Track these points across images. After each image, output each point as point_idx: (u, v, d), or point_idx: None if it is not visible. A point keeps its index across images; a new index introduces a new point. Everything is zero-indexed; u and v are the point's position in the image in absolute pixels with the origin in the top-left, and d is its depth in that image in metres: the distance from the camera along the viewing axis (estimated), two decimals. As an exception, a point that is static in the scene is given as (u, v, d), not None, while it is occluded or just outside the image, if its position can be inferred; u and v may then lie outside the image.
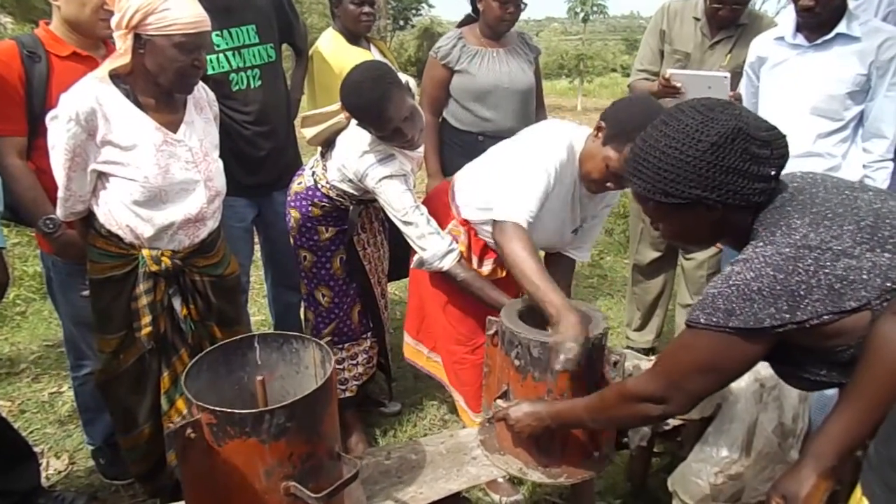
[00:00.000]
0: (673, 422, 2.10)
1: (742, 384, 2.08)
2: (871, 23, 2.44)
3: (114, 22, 1.76)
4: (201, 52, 1.81)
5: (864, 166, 2.46)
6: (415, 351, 2.52)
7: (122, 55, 1.78)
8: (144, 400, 2.02)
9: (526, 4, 2.81)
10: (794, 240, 1.18)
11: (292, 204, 2.39)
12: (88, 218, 1.94)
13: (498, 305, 1.96)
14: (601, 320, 1.79)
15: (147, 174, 1.82)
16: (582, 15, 16.81)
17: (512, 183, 1.98)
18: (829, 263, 1.15)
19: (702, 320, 1.22)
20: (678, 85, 2.58)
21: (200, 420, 1.38)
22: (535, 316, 1.87)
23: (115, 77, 1.81)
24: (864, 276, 1.14)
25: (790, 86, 2.50)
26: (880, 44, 2.35)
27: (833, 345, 1.19)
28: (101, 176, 1.85)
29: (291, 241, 2.44)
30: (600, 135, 1.93)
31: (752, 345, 1.20)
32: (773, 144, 1.25)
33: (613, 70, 22.03)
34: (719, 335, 1.20)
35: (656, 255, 3.10)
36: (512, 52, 2.89)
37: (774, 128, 1.27)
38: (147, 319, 1.93)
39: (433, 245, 2.12)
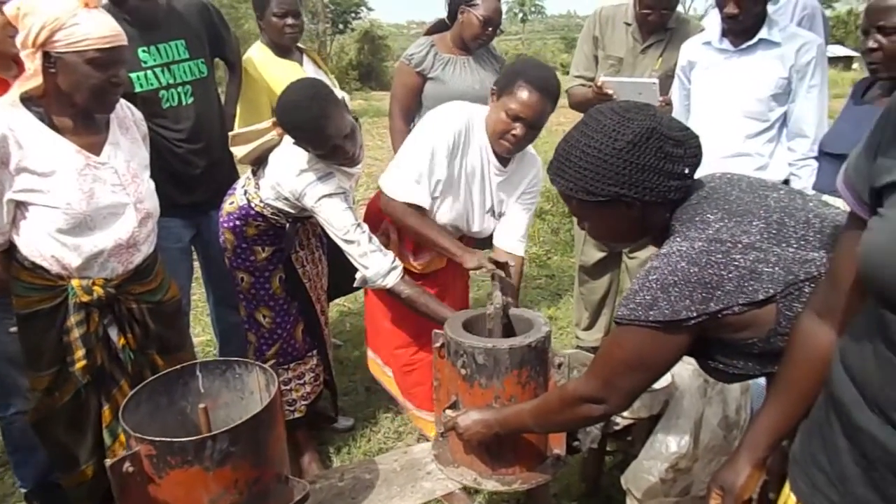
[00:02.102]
0: (623, 421, 2.16)
1: (687, 380, 2.16)
2: (790, 28, 2.62)
3: (19, 41, 1.70)
4: (119, 69, 1.77)
5: (789, 164, 2.61)
6: (374, 363, 2.55)
7: (32, 76, 1.72)
8: (84, 437, 1.95)
9: (502, 31, 2.93)
10: (706, 234, 1.25)
11: (225, 224, 2.36)
12: (10, 250, 1.87)
13: (443, 319, 1.99)
14: (543, 325, 1.84)
15: (70, 200, 1.77)
16: (520, 15, 17.14)
17: (397, 161, 2.18)
18: (739, 256, 1.22)
19: (626, 316, 1.27)
20: (610, 91, 2.68)
21: (139, 452, 1.36)
22: (480, 327, 1.92)
23: (28, 100, 1.76)
24: (771, 269, 1.21)
25: (719, 89, 2.63)
26: (798, 48, 2.51)
27: (744, 337, 1.26)
28: (20, 205, 1.79)
29: (227, 262, 2.42)
30: (494, 94, 2.09)
31: (673, 337, 1.26)
32: (687, 144, 1.32)
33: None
34: (643, 330, 1.26)
35: (601, 255, 3.18)
36: (479, 61, 2.95)
37: (687, 128, 1.35)
38: (81, 353, 1.87)
39: (375, 263, 2.14)
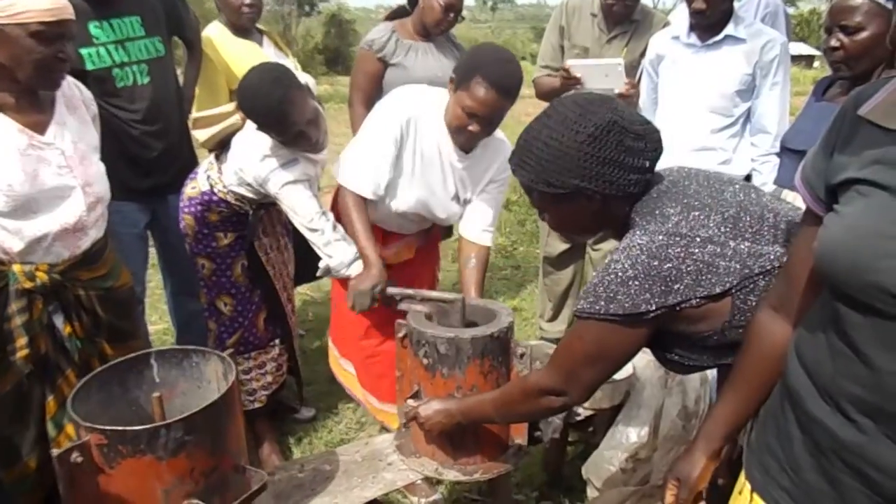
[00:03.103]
0: (585, 412, 2.20)
1: (648, 372, 2.20)
2: (755, 25, 2.68)
3: None
4: (65, 43, 1.69)
5: (752, 160, 2.67)
6: (332, 357, 2.54)
7: None
8: (27, 429, 1.88)
9: (464, 18, 2.91)
10: (666, 228, 1.27)
11: (186, 210, 2.33)
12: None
13: (408, 310, 1.99)
14: (505, 315, 1.86)
15: (11, 181, 1.70)
16: (490, 4, 17.11)
17: (351, 149, 2.15)
18: (696, 250, 1.24)
19: (585, 309, 1.29)
20: (578, 75, 2.70)
21: (88, 442, 1.33)
22: (444, 319, 1.92)
23: None
24: (727, 263, 1.24)
25: (686, 83, 2.67)
26: (763, 45, 2.56)
27: (700, 330, 1.29)
28: None
29: (188, 248, 2.39)
30: (452, 84, 2.04)
31: (633, 330, 1.28)
32: (647, 137, 1.34)
33: (523, 58, 22.51)
34: (602, 323, 1.28)
35: (565, 246, 3.21)
36: (441, 47, 2.92)
37: (648, 122, 1.37)
38: (23, 341, 1.80)
39: (340, 252, 2.13)
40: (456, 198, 2.25)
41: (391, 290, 2.08)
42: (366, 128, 2.14)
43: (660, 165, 1.41)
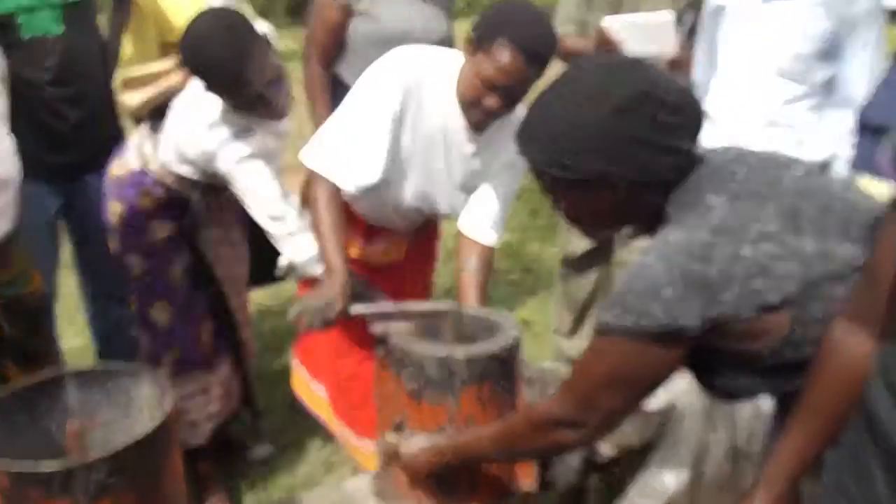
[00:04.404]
0: (609, 451, 2.21)
1: (688, 401, 2.22)
2: None
3: None
4: None
5: (834, 140, 2.64)
6: (298, 379, 2.55)
7: None
8: None
9: None
10: (709, 222, 1.28)
11: (113, 194, 2.34)
12: None
13: (382, 333, 2.00)
14: (511, 329, 1.87)
15: None
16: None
17: (333, 126, 2.11)
18: (747, 250, 1.25)
19: (610, 322, 1.30)
20: (617, 37, 2.70)
21: (-11, 485, 1.35)
22: (435, 333, 1.93)
23: None
24: (786, 265, 1.25)
25: (751, 42, 2.66)
26: None
27: (752, 348, 1.30)
28: None
29: (113, 243, 2.39)
30: (469, 46, 2.01)
31: (667, 349, 1.29)
32: (686, 111, 1.35)
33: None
34: (630, 340, 1.29)
35: (589, 245, 3.21)
36: None
37: (688, 92, 1.38)
38: None
39: (306, 246, 2.14)
40: (463, 187, 2.26)
41: (356, 309, 1.98)
42: (350, 103, 2.13)
43: (715, 145, 1.43)
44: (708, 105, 2.81)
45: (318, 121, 2.88)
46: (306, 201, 2.24)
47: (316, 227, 2.09)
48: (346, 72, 2.89)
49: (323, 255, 2.06)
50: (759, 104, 2.66)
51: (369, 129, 2.07)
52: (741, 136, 2.57)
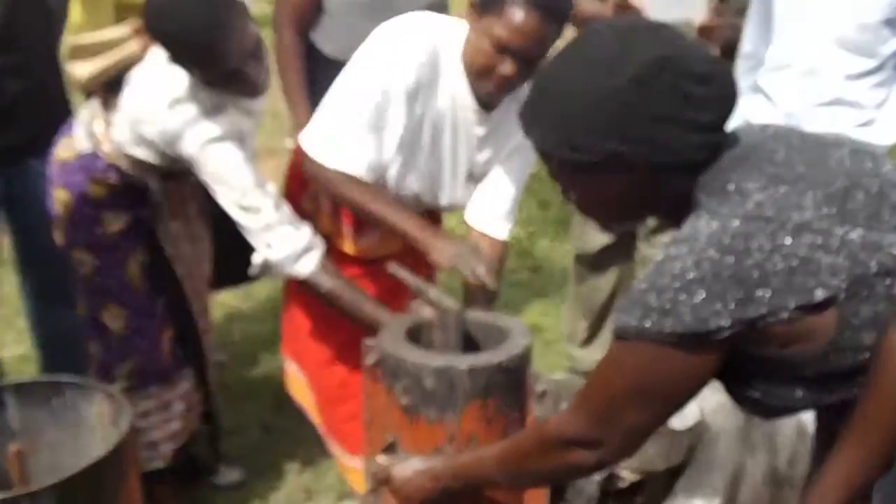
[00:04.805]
0: (631, 475, 2.21)
1: (721, 418, 2.22)
2: None
3: None
4: None
5: None
6: (294, 379, 2.55)
7: None
8: None
9: None
10: (745, 210, 1.27)
11: (58, 180, 2.33)
12: None
13: (378, 324, 2.00)
14: (520, 336, 1.86)
15: None
16: None
17: (328, 109, 2.11)
18: (789, 241, 1.24)
19: (631, 326, 1.29)
20: (639, 1, 2.71)
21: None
22: (433, 338, 1.93)
23: None
24: (832, 259, 1.24)
25: (810, 8, 2.67)
26: None
27: (793, 354, 1.29)
28: None
29: (59, 237, 2.39)
30: (474, 10, 2.00)
31: (697, 355, 1.28)
32: (716, 81, 1.33)
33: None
34: (654, 345, 1.28)
35: (607, 240, 3.22)
36: None
37: (717, 59, 1.37)
38: None
39: (284, 241, 2.14)
40: (470, 176, 2.25)
41: (397, 270, 2.03)
42: (356, 79, 2.11)
43: (771, 123, 1.42)
44: (761, 80, 2.82)
45: (290, 96, 2.89)
46: (300, 209, 2.24)
47: (372, 215, 2.15)
48: (323, 39, 2.89)
49: (406, 232, 2.12)
50: (819, 80, 2.67)
51: (378, 110, 2.06)
52: (799, 116, 2.58)
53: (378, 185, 2.17)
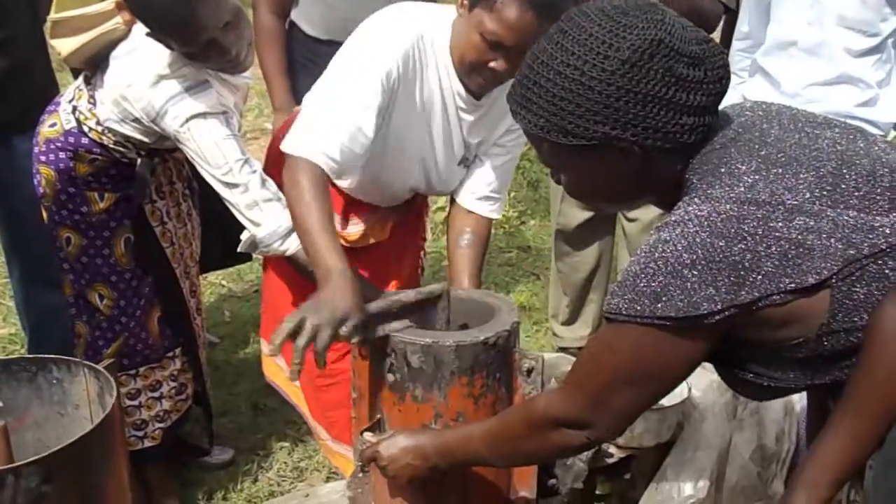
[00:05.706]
0: (619, 452, 2.22)
1: (709, 397, 2.22)
2: None
3: None
4: None
5: None
6: (275, 367, 2.53)
7: None
8: None
9: None
10: (736, 193, 1.27)
11: (43, 158, 2.32)
12: None
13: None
14: (507, 313, 1.85)
15: None
16: None
17: (316, 103, 2.04)
18: (781, 224, 1.24)
19: (622, 309, 1.29)
20: None
21: None
22: (420, 316, 1.93)
23: None
24: (825, 241, 1.24)
25: None
26: None
27: (785, 337, 1.29)
28: None
29: (45, 215, 2.38)
30: (465, 2, 1.97)
31: (688, 339, 1.28)
32: (708, 63, 1.32)
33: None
34: (646, 329, 1.28)
35: (587, 215, 3.20)
36: None
37: (709, 40, 1.35)
38: None
39: (271, 218, 2.13)
40: (463, 161, 2.24)
41: (374, 305, 1.84)
42: (340, 64, 2.07)
43: (774, 102, 1.41)
44: (761, 60, 2.82)
45: (267, 76, 2.88)
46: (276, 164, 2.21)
47: (301, 222, 1.93)
48: (303, 19, 2.87)
49: (315, 257, 1.88)
50: (820, 57, 2.66)
51: (363, 95, 2.00)
52: (802, 95, 2.58)
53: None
